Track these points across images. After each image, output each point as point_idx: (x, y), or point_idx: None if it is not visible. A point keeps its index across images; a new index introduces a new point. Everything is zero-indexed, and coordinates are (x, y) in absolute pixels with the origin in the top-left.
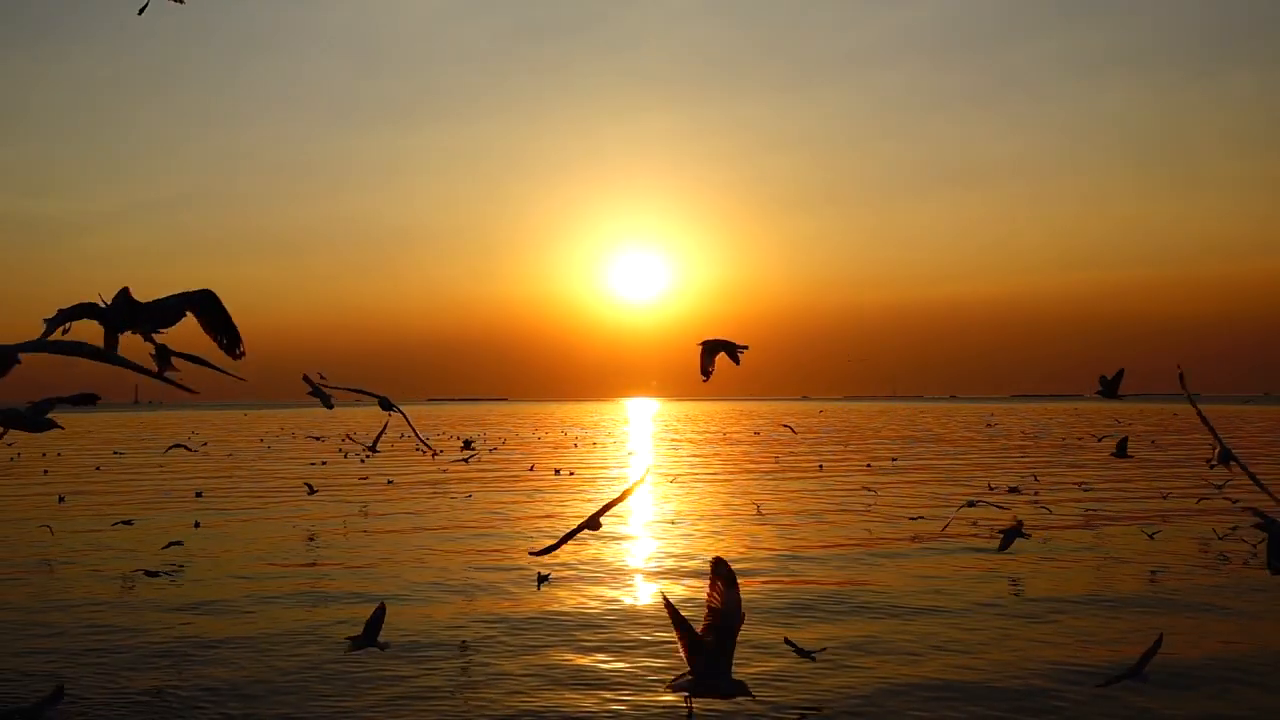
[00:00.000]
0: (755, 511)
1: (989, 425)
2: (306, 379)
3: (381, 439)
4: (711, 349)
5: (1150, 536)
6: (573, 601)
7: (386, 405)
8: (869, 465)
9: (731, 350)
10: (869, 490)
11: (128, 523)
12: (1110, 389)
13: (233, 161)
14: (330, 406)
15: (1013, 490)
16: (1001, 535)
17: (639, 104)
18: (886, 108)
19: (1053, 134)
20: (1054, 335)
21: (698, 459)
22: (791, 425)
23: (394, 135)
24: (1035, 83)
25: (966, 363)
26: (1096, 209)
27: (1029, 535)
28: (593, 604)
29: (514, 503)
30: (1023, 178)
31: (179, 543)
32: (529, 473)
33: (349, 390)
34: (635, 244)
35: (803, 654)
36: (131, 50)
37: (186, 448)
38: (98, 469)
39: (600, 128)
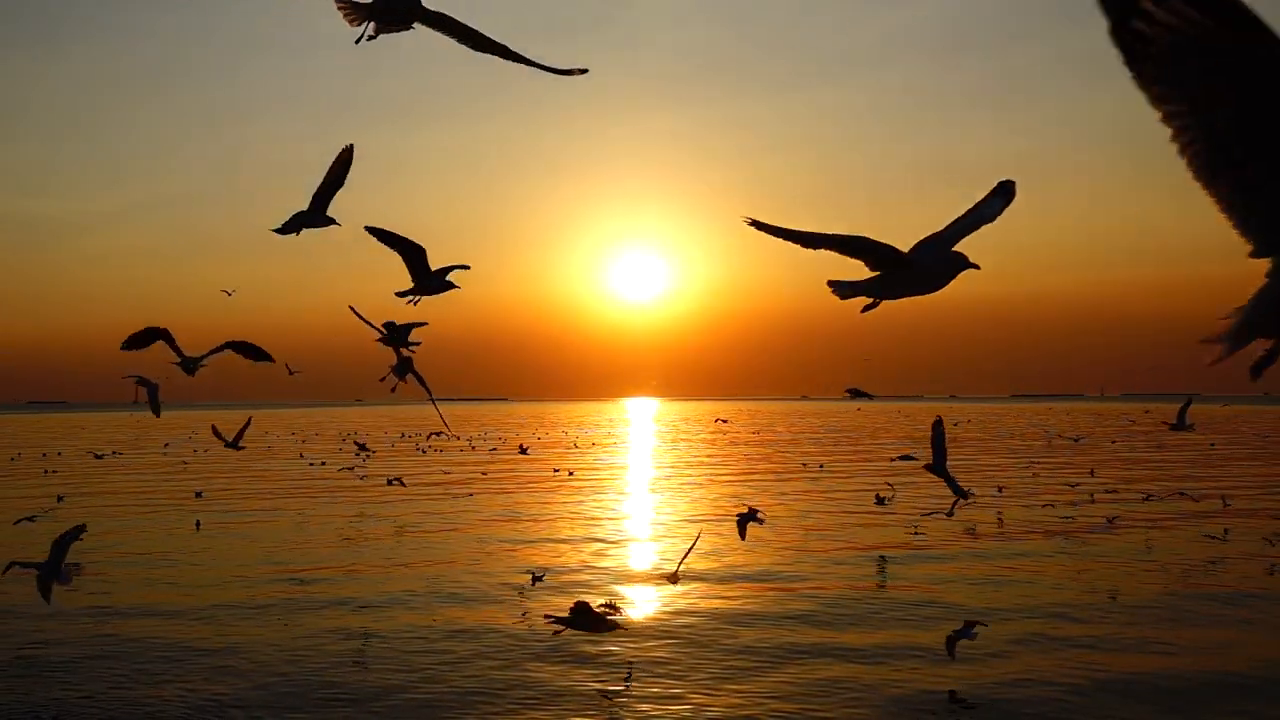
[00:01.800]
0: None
1: (955, 425)
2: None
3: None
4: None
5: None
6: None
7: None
8: (805, 465)
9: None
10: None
11: (30, 519)
12: (857, 394)
13: (233, 161)
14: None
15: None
16: (738, 521)
17: (639, 104)
18: (886, 108)
19: (1053, 134)
20: (1054, 335)
21: (701, 459)
22: (724, 419)
23: (394, 135)
24: (1035, 83)
25: (966, 363)
26: (1096, 209)
27: (763, 521)
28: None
29: (519, 504)
30: (1023, 178)
31: (30, 518)
32: (482, 477)
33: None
34: (635, 244)
35: (612, 610)
36: (131, 50)
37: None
38: (48, 473)
39: (600, 128)
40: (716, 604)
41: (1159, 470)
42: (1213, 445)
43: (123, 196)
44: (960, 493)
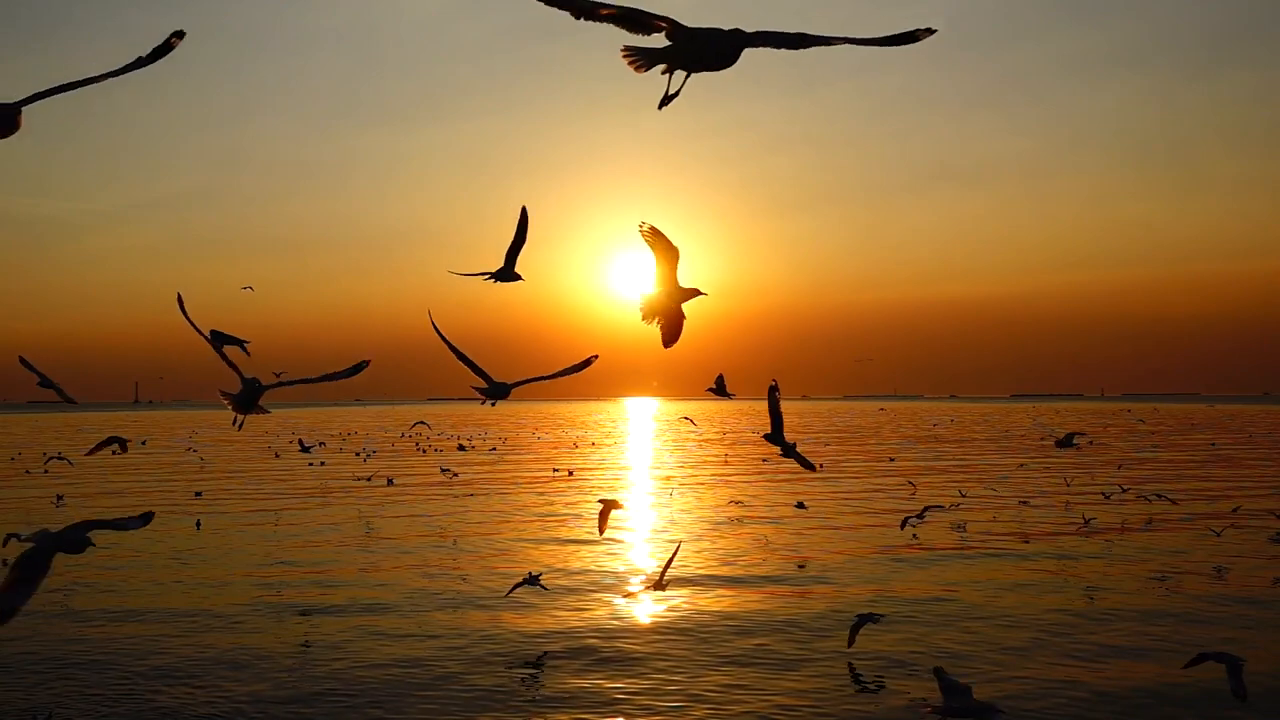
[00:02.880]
0: (740, 511)
1: (934, 426)
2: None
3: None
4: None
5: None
6: (573, 609)
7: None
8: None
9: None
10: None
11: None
12: (720, 389)
13: (233, 161)
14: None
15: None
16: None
17: (639, 104)
18: (886, 108)
19: (1053, 134)
20: (1054, 335)
21: (704, 459)
22: (691, 418)
23: (394, 135)
24: (1035, 83)
25: (966, 363)
26: (1096, 209)
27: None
28: (592, 612)
29: (521, 505)
30: (1023, 178)
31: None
32: (455, 479)
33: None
34: (635, 244)
35: (533, 582)
36: (131, 50)
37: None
38: (45, 470)
39: (601, 127)
40: (725, 604)
41: (1162, 470)
42: (1214, 445)
43: (123, 196)
44: (806, 464)
